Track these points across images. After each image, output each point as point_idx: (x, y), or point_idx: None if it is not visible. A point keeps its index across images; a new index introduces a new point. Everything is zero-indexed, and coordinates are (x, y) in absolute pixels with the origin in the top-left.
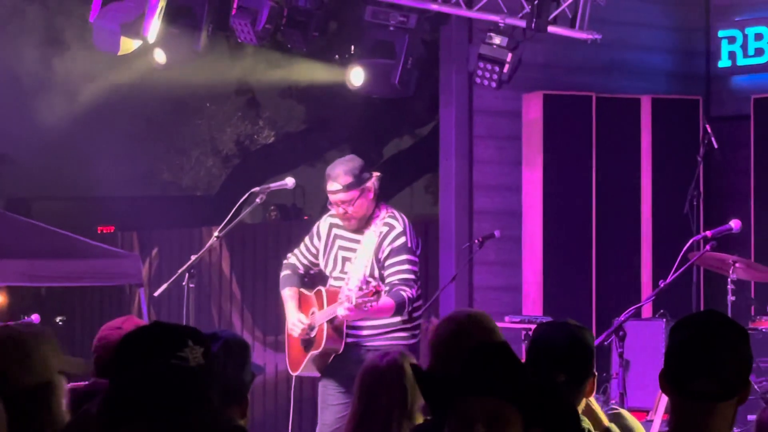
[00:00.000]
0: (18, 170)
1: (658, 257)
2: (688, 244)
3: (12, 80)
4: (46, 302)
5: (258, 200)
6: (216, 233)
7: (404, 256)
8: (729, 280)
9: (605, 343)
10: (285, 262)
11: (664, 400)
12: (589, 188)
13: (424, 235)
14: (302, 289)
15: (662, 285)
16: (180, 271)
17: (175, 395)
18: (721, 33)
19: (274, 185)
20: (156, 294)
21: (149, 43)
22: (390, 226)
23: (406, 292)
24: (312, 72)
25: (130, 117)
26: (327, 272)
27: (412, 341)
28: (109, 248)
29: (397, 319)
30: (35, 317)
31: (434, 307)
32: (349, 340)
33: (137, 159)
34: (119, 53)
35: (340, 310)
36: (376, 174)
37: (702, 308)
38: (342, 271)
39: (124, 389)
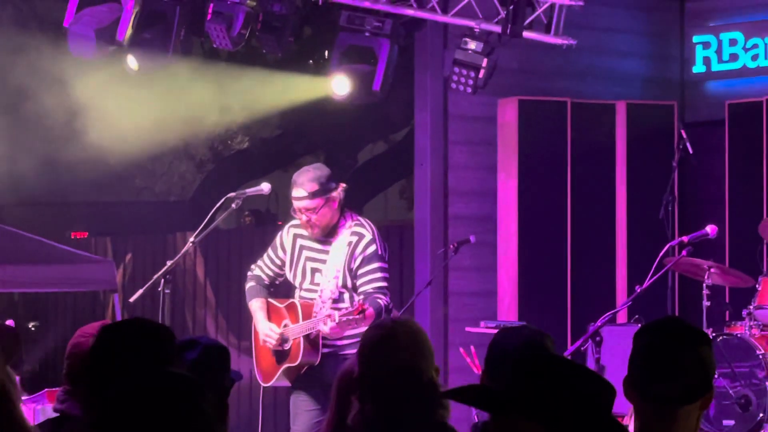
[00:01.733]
0: None
1: (633, 262)
2: (664, 250)
3: None
4: (19, 308)
5: (234, 206)
6: (192, 239)
7: (376, 264)
8: (704, 285)
9: (582, 348)
10: (249, 273)
11: None
12: (564, 194)
13: (399, 241)
14: (271, 300)
15: (639, 290)
16: (156, 276)
17: (172, 409)
18: (695, 38)
19: (250, 191)
20: (132, 300)
21: (123, 48)
22: (359, 235)
23: (382, 300)
24: (292, 87)
25: (102, 122)
26: (296, 284)
27: None
28: (83, 254)
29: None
30: (9, 323)
31: (410, 312)
32: (325, 350)
33: (110, 164)
34: (92, 57)
35: (324, 328)
36: (342, 185)
37: (677, 313)
38: (312, 283)
39: (114, 403)
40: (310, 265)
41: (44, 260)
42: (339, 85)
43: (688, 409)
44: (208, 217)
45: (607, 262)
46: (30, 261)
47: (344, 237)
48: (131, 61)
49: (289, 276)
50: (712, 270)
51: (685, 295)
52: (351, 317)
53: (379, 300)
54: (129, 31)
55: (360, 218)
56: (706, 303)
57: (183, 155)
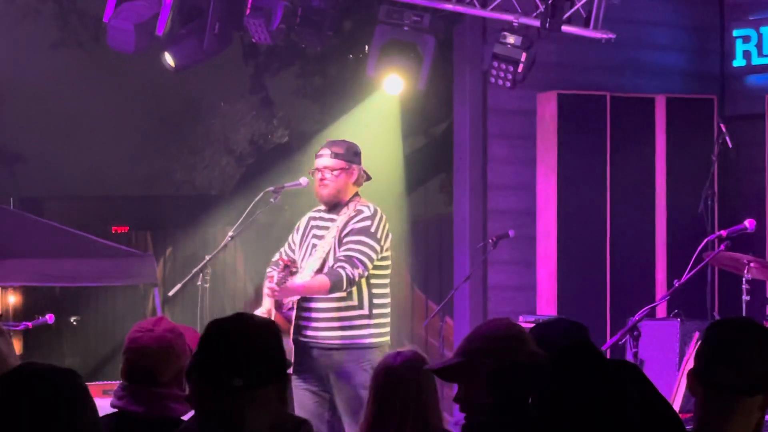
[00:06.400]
0: (31, 169)
1: (672, 256)
2: (702, 244)
3: (26, 80)
4: (60, 302)
5: (272, 200)
6: (231, 233)
7: (361, 237)
8: (743, 279)
9: (620, 342)
10: (272, 260)
11: (678, 400)
12: (603, 187)
13: (439, 235)
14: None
15: (677, 284)
16: (195, 270)
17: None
18: (735, 32)
19: (288, 184)
20: (171, 293)
21: (161, 44)
22: (358, 211)
23: (346, 269)
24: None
25: (143, 116)
26: (301, 261)
27: (377, 340)
28: (124, 248)
29: (356, 312)
30: (50, 317)
31: (449, 306)
32: (305, 340)
33: (151, 158)
34: (132, 53)
35: (265, 290)
36: (364, 169)
37: (716, 308)
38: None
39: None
40: (313, 241)
41: (85, 254)
42: (391, 85)
43: (748, 402)
44: (247, 210)
45: (647, 256)
46: (71, 255)
47: (346, 213)
48: (168, 59)
49: (299, 256)
50: (751, 264)
51: (725, 289)
52: (281, 274)
53: (340, 269)
54: (168, 26)
55: (368, 203)
56: (745, 297)
57: (223, 149)
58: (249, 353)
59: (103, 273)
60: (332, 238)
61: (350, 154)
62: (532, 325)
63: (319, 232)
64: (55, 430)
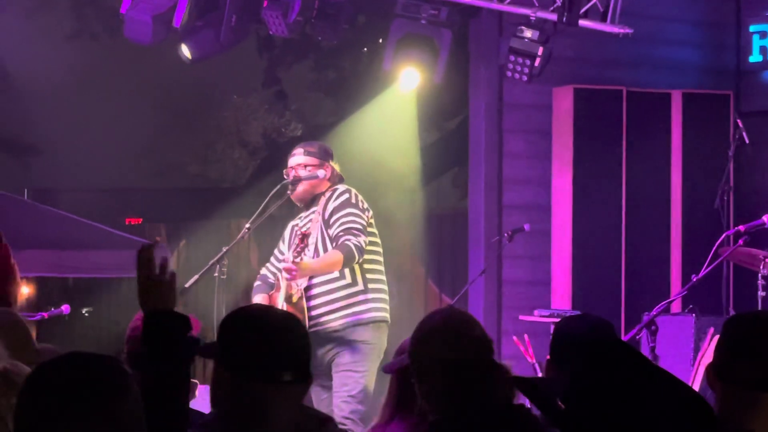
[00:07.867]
0: (45, 161)
1: (688, 252)
2: (720, 239)
3: (40, 72)
4: (73, 293)
5: (289, 192)
6: (247, 225)
7: (347, 209)
8: (759, 275)
9: (636, 337)
10: (258, 274)
11: None
12: (618, 183)
13: (452, 229)
14: (273, 293)
15: (694, 279)
16: (212, 261)
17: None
18: (752, 27)
19: (305, 177)
20: (187, 285)
21: (177, 36)
22: (333, 190)
23: (352, 241)
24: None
25: (157, 109)
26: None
27: (377, 314)
28: (137, 239)
29: (352, 289)
30: (65, 308)
31: (463, 300)
32: (310, 330)
33: (164, 151)
34: (149, 44)
35: (285, 275)
36: (336, 170)
37: (732, 303)
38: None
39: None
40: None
41: (99, 246)
42: (407, 79)
43: None
44: (264, 203)
45: (662, 252)
46: (85, 246)
47: (323, 199)
48: (184, 50)
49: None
50: (767, 260)
51: (740, 285)
52: (298, 248)
53: (347, 242)
54: (185, 18)
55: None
56: (761, 293)
57: (236, 142)
58: (298, 349)
59: (116, 264)
60: (318, 223)
61: (322, 153)
62: (548, 319)
63: (304, 229)
64: (100, 417)
